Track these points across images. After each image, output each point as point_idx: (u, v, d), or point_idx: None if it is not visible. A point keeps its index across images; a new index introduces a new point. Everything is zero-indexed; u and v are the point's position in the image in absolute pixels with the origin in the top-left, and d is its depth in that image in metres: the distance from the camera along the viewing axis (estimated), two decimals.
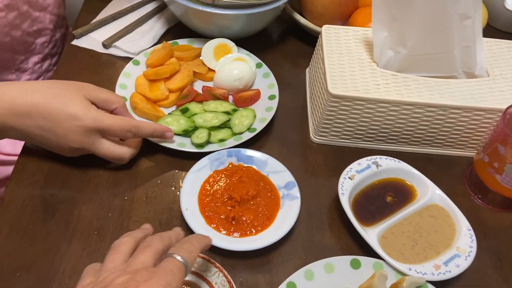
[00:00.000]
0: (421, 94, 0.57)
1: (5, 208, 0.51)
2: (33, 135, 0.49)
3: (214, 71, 0.68)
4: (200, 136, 0.58)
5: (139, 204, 0.53)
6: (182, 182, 0.53)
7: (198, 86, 0.67)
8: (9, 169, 0.73)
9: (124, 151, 0.53)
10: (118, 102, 0.53)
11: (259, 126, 0.60)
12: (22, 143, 0.71)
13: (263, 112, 0.63)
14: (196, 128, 0.59)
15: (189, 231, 0.50)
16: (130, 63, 0.67)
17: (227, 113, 0.62)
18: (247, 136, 0.59)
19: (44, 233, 0.49)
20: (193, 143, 0.58)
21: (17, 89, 0.48)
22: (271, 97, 0.64)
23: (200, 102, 0.64)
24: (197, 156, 0.56)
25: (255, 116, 0.62)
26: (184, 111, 0.62)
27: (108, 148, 0.52)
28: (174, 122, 0.60)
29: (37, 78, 0.74)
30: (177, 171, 0.57)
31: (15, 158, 0.72)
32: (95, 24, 0.74)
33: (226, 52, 0.69)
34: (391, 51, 0.60)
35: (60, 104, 0.48)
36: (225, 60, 0.68)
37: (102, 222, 0.51)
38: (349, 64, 0.60)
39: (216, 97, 0.64)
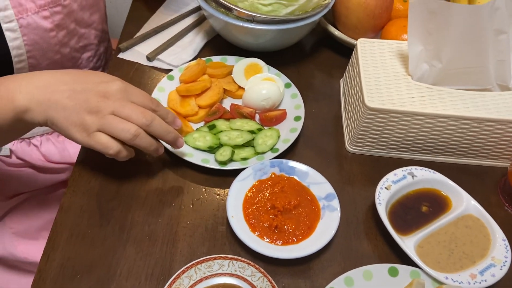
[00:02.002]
0: (456, 107, 0.59)
1: (64, 214, 0.55)
2: (60, 98, 0.48)
3: (243, 89, 0.70)
4: (224, 154, 0.60)
5: (186, 211, 0.57)
6: (227, 191, 0.57)
7: (227, 102, 0.70)
8: (57, 177, 0.78)
9: (127, 125, 0.50)
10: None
11: (282, 147, 0.62)
12: (70, 152, 0.76)
13: (287, 132, 0.64)
14: (220, 145, 0.62)
15: (234, 237, 0.53)
16: (165, 78, 0.70)
17: (252, 132, 0.64)
18: (270, 156, 0.61)
19: (102, 237, 0.53)
20: (216, 160, 0.60)
21: (48, 71, 0.51)
22: (297, 118, 0.66)
23: (227, 119, 0.66)
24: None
25: (279, 137, 0.63)
26: (211, 127, 0.64)
27: (114, 119, 0.50)
28: (200, 138, 0.62)
29: None
30: (220, 180, 0.60)
31: (63, 166, 0.77)
32: (139, 37, 0.78)
33: (256, 71, 0.72)
34: (426, 65, 0.62)
35: (93, 73, 0.52)
36: (255, 80, 0.70)
37: (153, 227, 0.55)
38: (385, 77, 0.63)
39: (243, 116, 0.66)
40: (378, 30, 0.78)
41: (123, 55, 0.76)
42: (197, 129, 0.64)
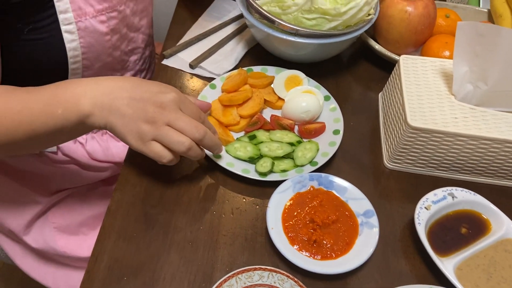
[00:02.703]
0: (500, 129, 0.58)
1: (112, 215, 0.57)
2: (120, 105, 0.51)
3: (283, 100, 0.71)
4: (264, 165, 0.61)
5: (226, 219, 0.59)
6: (266, 201, 0.58)
7: (267, 113, 0.71)
8: (99, 175, 0.81)
9: (181, 138, 0.52)
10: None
11: (321, 160, 0.62)
12: (112, 151, 0.79)
13: (326, 146, 0.65)
14: (261, 156, 0.63)
15: (273, 249, 0.55)
16: (207, 87, 0.71)
17: (291, 144, 0.65)
18: (309, 169, 0.62)
19: (147, 242, 0.55)
20: (256, 171, 0.61)
21: (111, 78, 0.54)
22: (336, 132, 0.66)
23: (267, 130, 0.67)
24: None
25: (318, 150, 0.64)
26: (252, 138, 0.65)
27: (188, 118, 0.53)
28: (241, 148, 0.64)
29: None
30: (259, 190, 0.62)
31: (105, 164, 0.80)
32: (182, 45, 0.80)
33: (297, 83, 0.73)
34: (470, 85, 0.62)
35: (151, 83, 0.55)
36: (295, 92, 0.71)
37: (195, 234, 0.57)
38: (427, 95, 0.63)
39: (283, 127, 0.67)
40: (419, 46, 0.78)
41: (167, 61, 0.78)
42: (237, 139, 0.66)
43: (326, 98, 0.71)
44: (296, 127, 0.69)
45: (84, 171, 0.79)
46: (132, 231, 0.56)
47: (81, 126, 0.53)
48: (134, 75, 0.80)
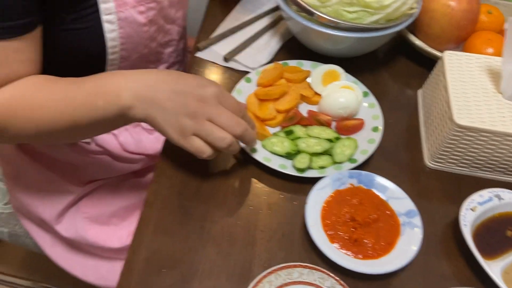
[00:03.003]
0: None
1: (149, 207, 0.57)
2: (161, 98, 0.51)
3: (319, 95, 0.70)
4: (303, 161, 0.60)
5: (263, 215, 0.58)
6: (303, 198, 0.57)
7: (302, 108, 0.70)
8: (131, 166, 0.81)
9: (223, 134, 0.52)
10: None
11: (360, 158, 0.61)
12: (145, 144, 0.79)
13: (365, 143, 0.63)
14: (298, 151, 0.62)
15: (312, 246, 0.54)
16: (242, 80, 0.70)
17: (329, 140, 0.63)
18: (347, 166, 0.60)
19: (184, 234, 0.55)
20: (294, 167, 0.60)
21: (153, 70, 0.54)
22: (375, 129, 0.65)
23: (304, 125, 0.66)
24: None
25: (356, 147, 0.63)
26: (289, 133, 0.64)
27: (228, 113, 0.53)
28: (278, 143, 0.63)
29: None
30: (296, 186, 0.61)
31: (137, 156, 0.80)
32: (216, 37, 0.79)
33: (334, 78, 0.71)
34: None
35: (192, 77, 0.54)
36: (333, 87, 0.69)
37: (232, 229, 0.56)
38: (473, 93, 0.61)
39: (321, 123, 0.66)
40: (460, 42, 0.75)
41: (201, 54, 0.77)
42: (274, 134, 0.65)
43: (365, 94, 0.69)
44: (334, 123, 0.67)
45: (116, 162, 0.79)
46: (169, 224, 0.56)
47: (121, 118, 0.52)
48: (168, 67, 0.80)
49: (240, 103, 0.56)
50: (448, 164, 0.62)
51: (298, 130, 0.65)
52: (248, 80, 0.71)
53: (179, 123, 0.51)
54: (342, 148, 0.62)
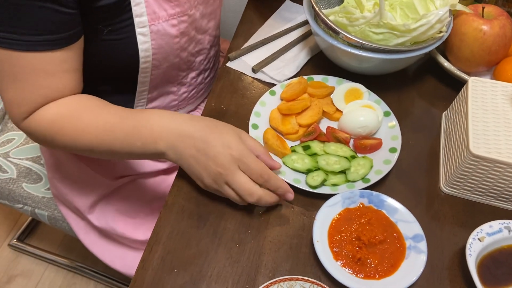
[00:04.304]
0: None
1: (168, 210, 0.61)
2: (187, 155, 0.57)
3: (341, 112, 0.71)
4: (316, 178, 0.62)
5: (273, 226, 0.60)
6: (314, 213, 0.59)
7: (323, 123, 0.72)
8: (159, 165, 0.86)
9: (255, 188, 0.57)
10: (261, 151, 0.60)
11: (373, 178, 0.62)
12: None
13: (380, 163, 0.64)
14: (318, 168, 0.64)
15: (317, 261, 0.56)
16: (267, 93, 0.73)
17: (346, 158, 0.65)
18: (360, 185, 0.61)
19: (197, 238, 0.59)
20: (307, 183, 0.62)
21: (186, 117, 0.59)
22: (392, 150, 0.65)
23: (322, 142, 0.67)
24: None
25: (371, 167, 0.64)
26: (306, 148, 0.66)
27: (244, 178, 0.57)
28: (299, 160, 0.64)
29: (192, 90, 0.84)
30: (308, 201, 0.63)
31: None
32: (247, 48, 0.82)
33: (357, 96, 0.72)
34: None
35: (218, 133, 0.57)
36: (354, 105, 0.71)
37: (243, 237, 0.59)
38: (494, 122, 0.60)
39: (338, 140, 0.67)
40: (491, 66, 0.74)
41: (231, 64, 0.81)
42: (293, 151, 0.66)
43: (386, 114, 0.70)
44: (352, 141, 0.69)
45: (146, 160, 0.84)
46: (185, 227, 0.60)
47: (157, 156, 0.59)
48: (199, 74, 0.84)
49: (263, 169, 0.58)
50: (463, 191, 0.62)
51: (315, 145, 0.66)
52: (273, 93, 0.73)
53: (202, 180, 0.58)
54: (357, 167, 0.64)
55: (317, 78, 0.76)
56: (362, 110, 0.68)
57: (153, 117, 0.59)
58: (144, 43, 0.65)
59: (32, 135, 0.63)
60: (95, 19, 0.60)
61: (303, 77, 0.75)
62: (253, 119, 0.70)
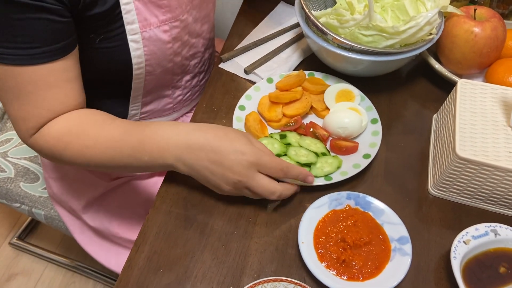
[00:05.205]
0: None
1: (156, 210, 0.62)
2: (200, 167, 0.57)
3: (329, 110, 0.72)
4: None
5: (260, 227, 0.61)
6: (301, 215, 0.59)
7: (311, 118, 0.73)
8: None
9: (276, 187, 0.58)
10: (268, 151, 0.60)
11: (337, 178, 0.62)
12: None
13: (349, 167, 0.64)
14: (285, 154, 0.65)
15: (302, 263, 0.56)
16: (264, 80, 0.75)
17: (317, 154, 0.65)
18: (321, 182, 0.62)
19: (184, 239, 0.59)
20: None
21: (192, 127, 0.58)
22: (366, 156, 0.65)
23: (300, 134, 0.68)
24: (316, 191, 0.62)
25: (338, 167, 0.64)
26: (282, 137, 0.67)
27: (264, 180, 0.57)
28: (269, 144, 0.65)
29: (187, 93, 0.85)
30: (295, 203, 0.63)
31: None
32: (240, 50, 0.83)
33: (348, 98, 0.72)
34: None
35: (229, 141, 0.57)
36: (341, 106, 0.71)
37: (229, 238, 0.60)
38: (482, 125, 0.60)
39: (315, 136, 0.68)
40: (483, 68, 0.74)
41: (224, 65, 0.81)
42: (265, 137, 0.67)
43: (373, 121, 0.70)
44: (330, 140, 0.69)
45: None
46: (172, 227, 0.60)
47: (168, 169, 0.60)
48: (194, 77, 0.84)
49: (281, 161, 0.59)
50: (450, 193, 0.62)
51: (292, 136, 0.67)
52: (270, 81, 0.75)
53: (220, 189, 0.58)
54: (323, 164, 0.64)
55: (318, 75, 0.77)
56: (347, 112, 0.68)
57: (158, 130, 0.58)
58: (137, 50, 0.65)
59: (41, 152, 0.63)
60: (87, 28, 0.61)
61: (303, 71, 0.76)
62: (242, 101, 0.72)
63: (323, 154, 0.65)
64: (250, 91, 0.73)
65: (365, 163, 0.64)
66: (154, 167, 0.59)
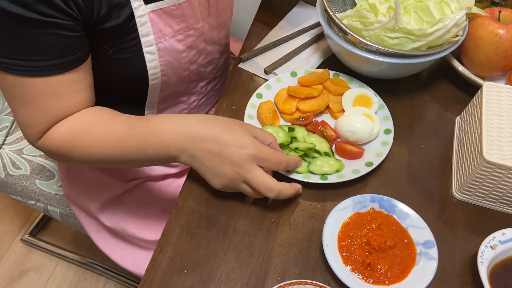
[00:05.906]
0: None
1: (178, 211, 0.62)
2: (202, 158, 0.57)
3: (344, 113, 0.72)
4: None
5: (283, 229, 0.60)
6: (324, 217, 0.59)
7: (325, 118, 0.73)
8: (170, 170, 0.86)
9: (274, 183, 0.57)
10: (272, 138, 0.61)
11: (332, 179, 0.62)
12: None
13: (348, 172, 0.63)
14: (287, 145, 0.66)
15: (326, 265, 0.56)
16: (287, 73, 0.76)
17: (318, 152, 0.65)
18: (317, 179, 0.62)
19: (207, 240, 0.59)
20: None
21: (195, 118, 0.58)
22: (368, 164, 0.64)
23: (308, 130, 0.69)
24: (339, 194, 0.61)
25: (338, 171, 0.63)
26: (290, 129, 0.67)
27: (262, 175, 0.57)
28: (273, 132, 0.65)
29: (202, 98, 0.84)
30: (319, 204, 0.63)
31: None
32: (259, 49, 0.82)
33: (365, 103, 0.72)
34: None
35: (231, 133, 0.57)
36: (356, 110, 0.70)
37: (252, 239, 0.59)
38: (509, 128, 0.59)
39: (323, 135, 0.68)
40: (507, 70, 0.73)
41: (243, 65, 0.81)
42: (271, 125, 0.68)
43: (387, 132, 0.68)
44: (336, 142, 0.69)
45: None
46: (195, 228, 0.60)
47: (171, 161, 0.60)
48: (209, 83, 0.83)
49: (281, 155, 0.59)
50: (475, 197, 0.62)
51: (299, 131, 0.67)
52: (294, 74, 0.76)
53: (218, 181, 0.58)
54: (323, 163, 0.64)
55: (343, 76, 0.76)
56: (360, 117, 0.68)
57: (161, 123, 0.58)
58: (152, 61, 0.65)
59: (49, 153, 0.64)
60: (100, 40, 0.60)
61: (329, 70, 0.76)
62: (261, 89, 0.73)
63: (326, 154, 0.65)
64: (271, 81, 0.74)
65: (365, 170, 0.63)
66: (159, 160, 0.60)
